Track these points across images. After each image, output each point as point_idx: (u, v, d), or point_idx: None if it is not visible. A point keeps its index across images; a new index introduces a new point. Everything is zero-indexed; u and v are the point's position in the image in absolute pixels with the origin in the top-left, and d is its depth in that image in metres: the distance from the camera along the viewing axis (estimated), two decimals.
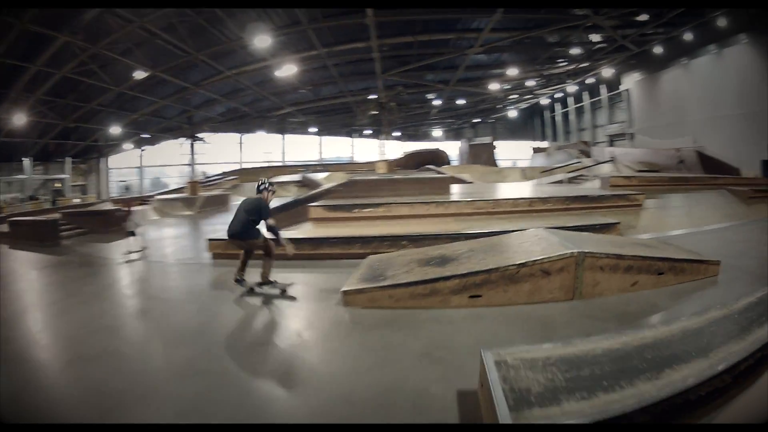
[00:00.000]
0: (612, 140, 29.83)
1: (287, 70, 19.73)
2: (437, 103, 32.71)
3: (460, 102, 33.94)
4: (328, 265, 5.42)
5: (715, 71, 19.69)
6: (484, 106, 37.59)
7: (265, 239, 4.98)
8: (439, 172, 15.41)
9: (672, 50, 21.54)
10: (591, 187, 11.94)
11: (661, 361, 2.31)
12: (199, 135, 28.34)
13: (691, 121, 21.03)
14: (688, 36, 19.62)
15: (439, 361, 3.10)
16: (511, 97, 35.49)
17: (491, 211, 8.01)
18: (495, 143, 31.65)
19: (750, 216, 8.86)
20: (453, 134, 45.26)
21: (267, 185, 5.09)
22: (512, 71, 24.68)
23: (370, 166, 27.30)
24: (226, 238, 5.12)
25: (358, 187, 8.39)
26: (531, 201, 8.39)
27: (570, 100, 36.40)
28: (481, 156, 27.40)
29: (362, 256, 5.57)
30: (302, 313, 4.45)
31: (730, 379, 2.11)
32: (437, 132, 44.81)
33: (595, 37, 20.90)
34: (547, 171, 20.44)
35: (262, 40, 16.05)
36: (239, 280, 5.02)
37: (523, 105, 41.58)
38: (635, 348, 2.52)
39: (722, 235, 7.33)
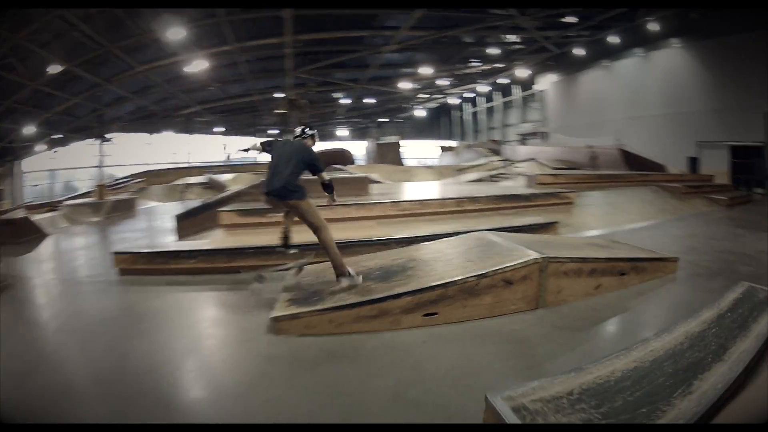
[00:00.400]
0: (523, 139, 32.16)
1: (197, 66, 19.65)
2: (345, 102, 33.30)
3: (369, 101, 35.21)
4: (247, 279, 4.69)
5: (640, 73, 21.86)
6: (392, 105, 38.99)
7: (310, 203, 4.25)
8: (351, 172, 15.20)
9: (594, 52, 23.65)
10: (516, 186, 12.33)
11: (683, 373, 2.35)
12: (108, 135, 27.93)
13: (612, 120, 23.21)
14: (613, 39, 21.60)
15: (417, 405, 2.54)
16: (420, 96, 37.15)
17: (418, 213, 7.76)
18: (402, 142, 32.75)
19: (686, 210, 9.64)
20: (359, 134, 46.52)
21: (312, 130, 4.57)
22: (425, 70, 25.64)
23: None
24: (265, 194, 4.35)
25: None
26: (459, 201, 8.28)
27: (480, 100, 38.63)
28: (388, 155, 27.82)
29: (268, 266, 5.03)
30: (224, 347, 3.62)
31: (744, 378, 2.27)
32: (343, 132, 46.12)
33: (512, 38, 22.34)
34: (464, 169, 20.98)
35: (175, 33, 15.88)
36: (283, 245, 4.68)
37: (432, 104, 43.96)
38: (652, 363, 2.46)
39: (665, 230, 7.79)
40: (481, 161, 23.60)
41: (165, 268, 5.31)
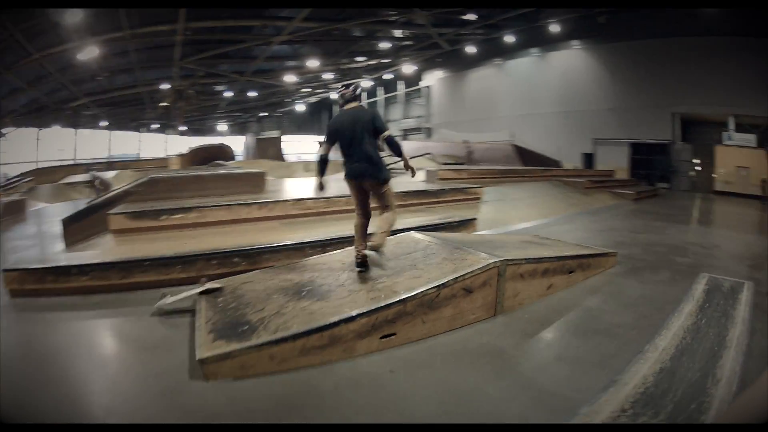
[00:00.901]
0: (405, 134, 34.42)
1: (89, 53, 19.59)
2: (228, 95, 33.96)
3: (252, 94, 36.03)
4: (147, 299, 3.89)
5: (535, 72, 24.45)
6: (273, 99, 40.22)
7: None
8: (242, 168, 14.69)
9: (486, 50, 25.76)
10: (416, 181, 12.70)
11: (704, 365, 2.65)
12: (4, 131, 27.44)
13: (503, 117, 25.55)
14: (509, 38, 23.64)
15: None
16: (303, 90, 38.49)
17: (323, 211, 7.44)
18: (283, 138, 33.09)
19: (595, 204, 10.65)
20: (239, 128, 47.51)
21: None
22: (312, 63, 26.76)
23: (159, 162, 27.54)
24: (350, 179, 4.24)
25: (161, 187, 6.87)
26: None
27: (363, 95, 39.86)
28: (268, 151, 27.86)
29: (185, 283, 4.47)
30: (143, 407, 2.64)
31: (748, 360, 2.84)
32: (223, 126, 46.77)
33: (403, 33, 23.63)
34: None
35: (73, 15, 15.82)
36: (362, 263, 4.06)
37: (313, 99, 45.40)
38: (671, 361, 2.68)
39: (581, 224, 8.44)
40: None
41: (56, 288, 4.45)
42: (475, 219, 7.49)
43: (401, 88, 35.55)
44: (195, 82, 27.16)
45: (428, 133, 31.52)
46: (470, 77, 28.40)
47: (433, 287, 3.62)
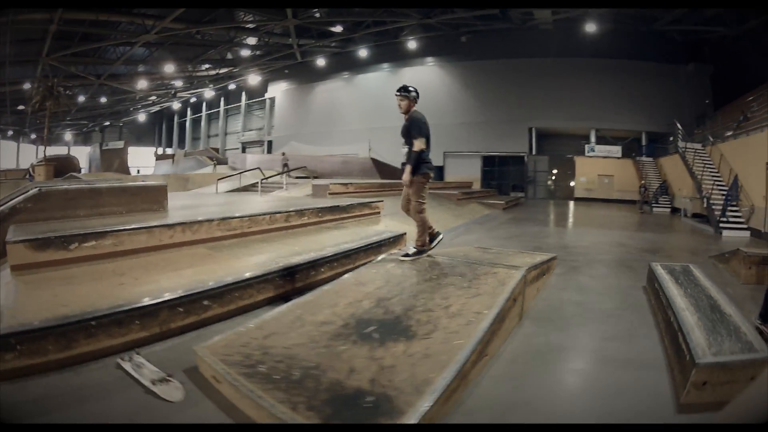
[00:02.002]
0: (244, 147, 34.00)
1: None
2: (81, 99, 32.26)
3: (102, 100, 34.52)
4: (106, 379, 2.75)
5: (386, 86, 24.90)
6: (119, 107, 38.85)
7: None
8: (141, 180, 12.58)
9: (336, 64, 26.35)
10: (299, 196, 12.45)
11: (721, 325, 3.29)
12: None
13: (351, 130, 26.19)
14: (363, 53, 24.13)
15: None
16: (150, 98, 37.30)
17: (248, 232, 6.75)
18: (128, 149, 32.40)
19: (474, 214, 11.55)
20: (82, 138, 45.51)
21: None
22: (166, 69, 26.58)
23: (13, 174, 24.50)
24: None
25: (53, 202, 5.14)
26: (288, 215, 7.69)
27: (203, 106, 39.39)
28: (114, 162, 26.97)
29: (144, 343, 3.36)
30: None
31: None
32: (67, 135, 44.44)
33: (252, 42, 24.05)
34: (225, 178, 19.86)
35: None
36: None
37: (155, 108, 43.78)
38: (697, 323, 3.34)
39: (483, 233, 9.13)
40: (207, 170, 23.14)
41: None
42: (405, 234, 7.49)
43: (243, 99, 35.26)
44: (61, 82, 24.39)
45: (269, 146, 31.05)
46: (317, 89, 28.64)
47: (501, 304, 3.57)
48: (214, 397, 2.56)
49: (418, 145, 4.61)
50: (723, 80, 22.46)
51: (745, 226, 11.31)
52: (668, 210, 18.29)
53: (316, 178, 17.08)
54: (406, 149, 4.75)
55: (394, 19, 21.41)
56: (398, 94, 4.85)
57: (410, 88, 4.88)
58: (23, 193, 5.08)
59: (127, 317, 3.39)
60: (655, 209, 18.32)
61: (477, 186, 20.52)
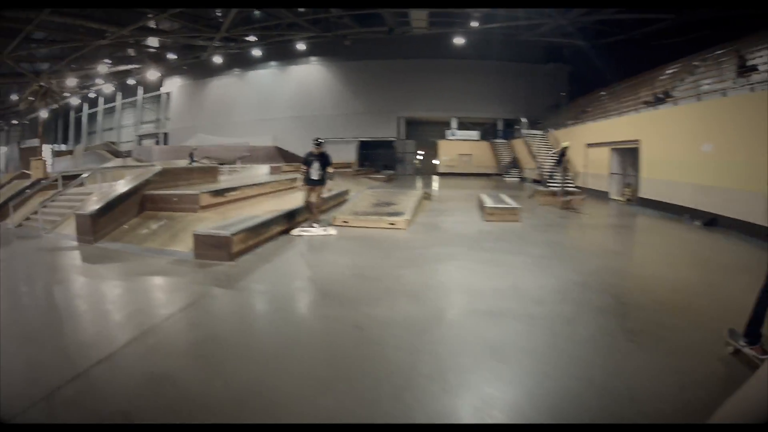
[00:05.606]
0: (140, 140, 35.06)
1: None
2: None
3: (14, 97, 32.29)
4: (288, 240, 7.26)
5: (275, 81, 29.08)
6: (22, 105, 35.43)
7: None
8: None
9: (229, 60, 28.68)
10: (263, 174, 15.98)
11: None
12: None
13: (242, 121, 29.50)
14: (255, 52, 27.07)
15: None
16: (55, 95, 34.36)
17: (262, 193, 10.46)
18: (45, 146, 31.03)
19: (370, 184, 16.90)
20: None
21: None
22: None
23: None
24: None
25: (168, 176, 8.98)
26: (279, 182, 11.68)
27: (101, 100, 38.61)
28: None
29: (281, 233, 8.34)
30: None
31: None
32: None
33: (153, 41, 24.85)
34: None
35: None
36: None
37: (54, 105, 40.15)
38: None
39: (385, 191, 14.78)
40: (116, 162, 24.02)
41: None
42: (348, 189, 12.48)
43: (140, 93, 35.46)
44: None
45: (165, 137, 32.66)
46: (212, 84, 31.21)
47: (418, 198, 9.32)
48: (342, 231, 7.82)
49: (331, 169, 7.81)
50: (580, 77, 25.42)
51: (559, 184, 13.35)
52: (517, 179, 23.12)
53: (222, 164, 20.51)
54: (319, 171, 7.60)
55: (291, 34, 23.95)
56: (317, 141, 7.74)
57: (321, 140, 7.88)
58: (153, 172, 8.69)
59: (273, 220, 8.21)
60: (507, 179, 23.19)
61: (355, 166, 24.31)
